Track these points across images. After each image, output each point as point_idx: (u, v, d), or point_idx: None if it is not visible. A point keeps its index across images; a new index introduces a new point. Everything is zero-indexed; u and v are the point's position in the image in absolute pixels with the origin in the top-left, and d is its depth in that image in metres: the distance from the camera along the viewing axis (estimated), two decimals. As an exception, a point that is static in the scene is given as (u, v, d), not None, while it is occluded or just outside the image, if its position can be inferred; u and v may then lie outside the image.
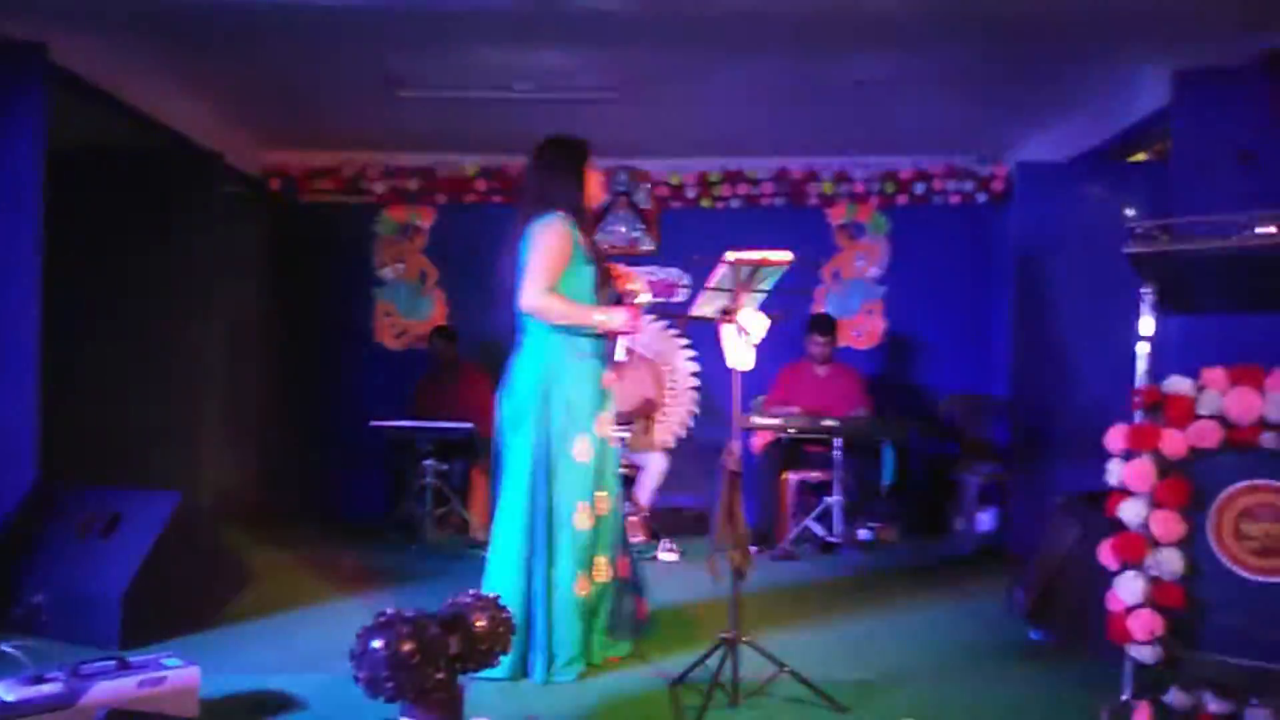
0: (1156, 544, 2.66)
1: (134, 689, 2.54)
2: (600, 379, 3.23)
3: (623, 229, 6.83)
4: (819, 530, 5.49)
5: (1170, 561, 2.64)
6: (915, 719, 2.82)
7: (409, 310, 6.83)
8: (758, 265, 2.97)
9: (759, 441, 5.93)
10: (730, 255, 2.96)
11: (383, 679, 2.11)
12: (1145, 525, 2.68)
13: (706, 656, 2.98)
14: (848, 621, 4.01)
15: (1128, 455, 2.74)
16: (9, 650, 3.08)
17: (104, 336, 5.09)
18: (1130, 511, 2.71)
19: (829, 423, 5.40)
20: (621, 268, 3.36)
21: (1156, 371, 2.85)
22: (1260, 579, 2.59)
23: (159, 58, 4.94)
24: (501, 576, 3.07)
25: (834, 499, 5.40)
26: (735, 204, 6.73)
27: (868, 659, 3.43)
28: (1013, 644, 3.59)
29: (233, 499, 6.09)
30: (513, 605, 2.88)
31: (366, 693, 2.14)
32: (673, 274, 6.78)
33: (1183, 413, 2.68)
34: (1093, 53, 4.63)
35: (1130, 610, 2.68)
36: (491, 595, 2.43)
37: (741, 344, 2.99)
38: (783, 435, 5.61)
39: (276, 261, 6.73)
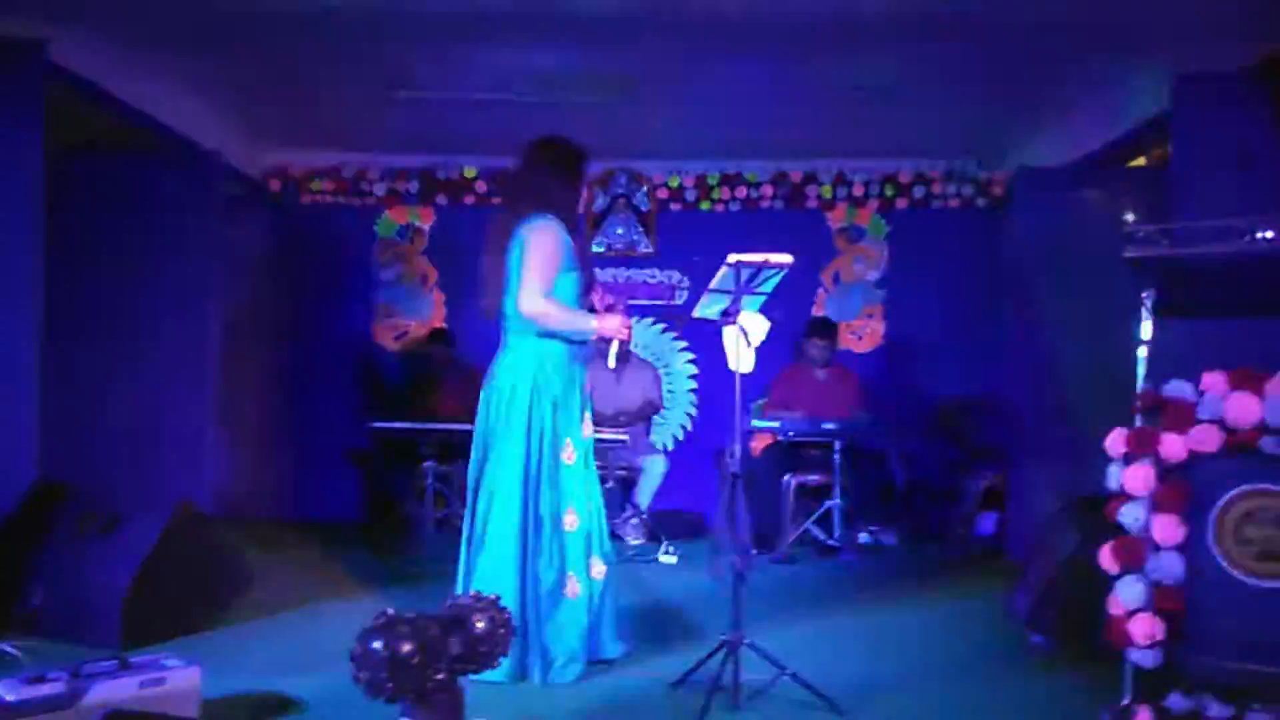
0: (1157, 548, 2.66)
1: (135, 690, 2.53)
2: (584, 383, 3.24)
3: (621, 231, 6.84)
4: (819, 534, 5.49)
5: (1170, 566, 2.64)
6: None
7: (409, 311, 6.83)
8: (759, 267, 2.97)
9: (759, 444, 5.93)
10: (732, 257, 2.97)
11: (383, 680, 2.10)
12: (1145, 529, 2.68)
13: (707, 659, 2.98)
14: (848, 625, 4.01)
15: (1128, 459, 2.74)
16: (9, 650, 3.08)
17: (104, 336, 5.08)
18: (1130, 516, 2.71)
19: (828, 426, 5.40)
20: (608, 298, 3.33)
21: (1157, 375, 2.85)
22: (1261, 583, 2.59)
23: (159, 58, 4.94)
24: (497, 579, 3.07)
25: (834, 502, 5.40)
26: (734, 207, 6.74)
27: (868, 662, 3.43)
28: (1013, 648, 3.59)
29: (232, 499, 6.08)
30: (511, 608, 2.89)
31: (366, 694, 2.13)
32: (672, 277, 6.79)
33: (1183, 417, 2.68)
34: (1092, 57, 4.64)
35: (1130, 614, 2.68)
36: (492, 596, 2.43)
37: (743, 346, 2.99)
38: (782, 438, 5.61)
39: (276, 262, 6.72)
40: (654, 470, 5.94)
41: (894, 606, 4.35)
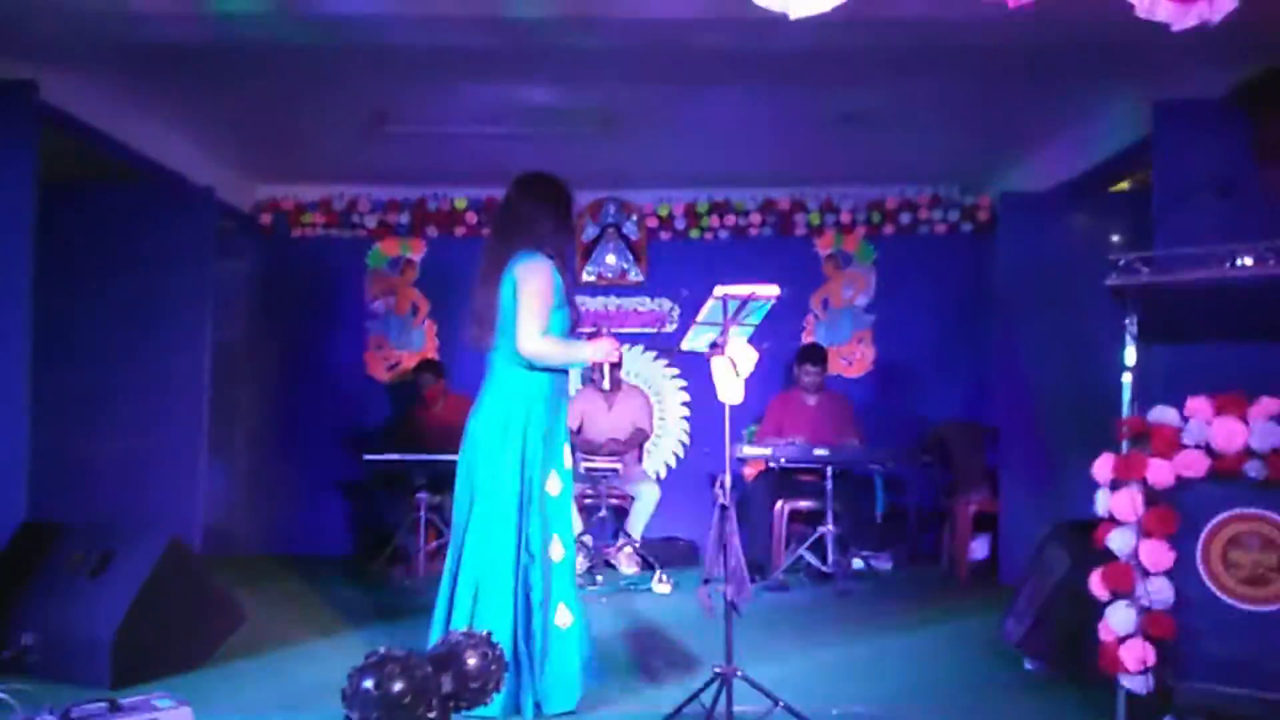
0: (1146, 573, 2.68)
1: (125, 731, 2.52)
2: (565, 414, 3.29)
3: (612, 260, 6.87)
4: (812, 560, 5.49)
5: (1160, 591, 2.66)
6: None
7: (401, 343, 6.84)
8: (746, 300, 3.00)
9: (751, 471, 5.94)
10: (719, 290, 2.99)
11: (374, 719, 2.11)
12: (1134, 555, 2.70)
13: (700, 691, 2.97)
14: (842, 652, 4.00)
15: (1115, 485, 2.77)
16: (-2, 693, 3.05)
17: (96, 371, 5.09)
18: (1119, 541, 2.73)
19: (820, 452, 5.41)
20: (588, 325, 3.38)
21: (1143, 400, 2.88)
22: (1249, 607, 2.61)
23: (149, 95, 4.98)
24: (490, 612, 3.06)
25: (827, 528, 5.40)
26: (723, 235, 6.78)
27: (862, 690, 3.42)
28: (1007, 673, 3.59)
29: (224, 534, 6.07)
30: (504, 642, 2.88)
31: (359, 733, 2.13)
32: (662, 305, 6.82)
33: (1168, 442, 2.71)
34: (1073, 85, 4.71)
35: (1121, 640, 2.69)
36: (484, 633, 2.43)
37: (731, 377, 3.01)
38: (774, 465, 5.62)
39: (268, 295, 6.75)
40: (647, 498, 5.93)
41: (887, 632, 4.34)
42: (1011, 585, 4.57)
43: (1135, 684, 2.68)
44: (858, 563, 5.75)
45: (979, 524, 5.74)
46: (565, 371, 3.26)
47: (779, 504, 5.70)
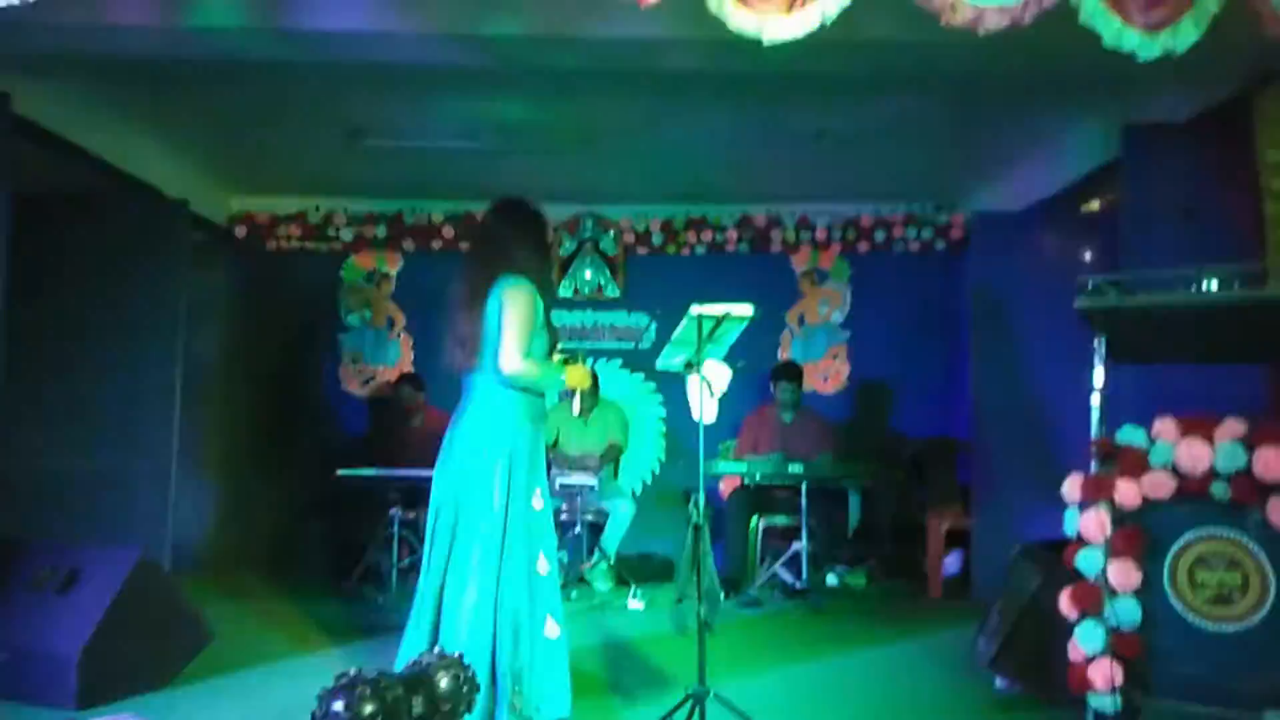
0: (1114, 593, 2.70)
1: (90, 754, 2.49)
2: (544, 434, 3.34)
3: (589, 275, 6.88)
4: (786, 576, 5.50)
5: (1128, 611, 2.69)
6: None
7: (375, 357, 6.81)
8: (721, 319, 3.01)
9: (727, 486, 5.95)
10: (695, 309, 3.01)
11: (345, 742, 2.09)
12: (1103, 574, 2.73)
13: (673, 712, 2.97)
14: (815, 670, 4.01)
15: (1084, 505, 2.80)
16: (-40, 714, 3.01)
17: (66, 385, 5.03)
18: (1087, 561, 2.76)
19: (795, 468, 5.42)
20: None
21: (1112, 420, 2.91)
22: (1216, 627, 2.64)
23: (124, 107, 4.95)
24: (477, 631, 3.05)
25: (801, 544, 5.41)
26: (700, 250, 6.81)
27: (835, 709, 3.43)
28: (977, 692, 3.61)
29: (194, 549, 6.00)
30: (485, 660, 2.92)
31: (328, 756, 2.11)
32: (639, 320, 6.83)
33: (1136, 463, 2.74)
34: (1043, 107, 4.78)
35: (1090, 659, 2.72)
36: (455, 654, 2.42)
37: (706, 396, 3.02)
38: (749, 481, 5.63)
39: (242, 308, 6.70)
40: (622, 515, 5.92)
41: (860, 649, 4.36)
42: (984, 601, 4.60)
43: (1104, 703, 2.70)
44: (832, 578, 5.76)
45: (952, 540, 5.77)
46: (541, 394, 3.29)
47: (754, 520, 5.72)
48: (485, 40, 3.66)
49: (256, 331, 6.70)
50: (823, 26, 2.85)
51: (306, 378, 6.71)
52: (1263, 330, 2.89)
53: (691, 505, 2.98)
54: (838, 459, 5.80)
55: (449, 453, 3.20)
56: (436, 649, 2.46)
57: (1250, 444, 2.61)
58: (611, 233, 6.87)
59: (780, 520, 5.70)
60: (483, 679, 2.91)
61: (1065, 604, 2.79)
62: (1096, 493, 2.77)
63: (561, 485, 5.64)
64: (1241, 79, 3.84)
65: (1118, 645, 2.69)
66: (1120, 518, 2.74)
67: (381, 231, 6.74)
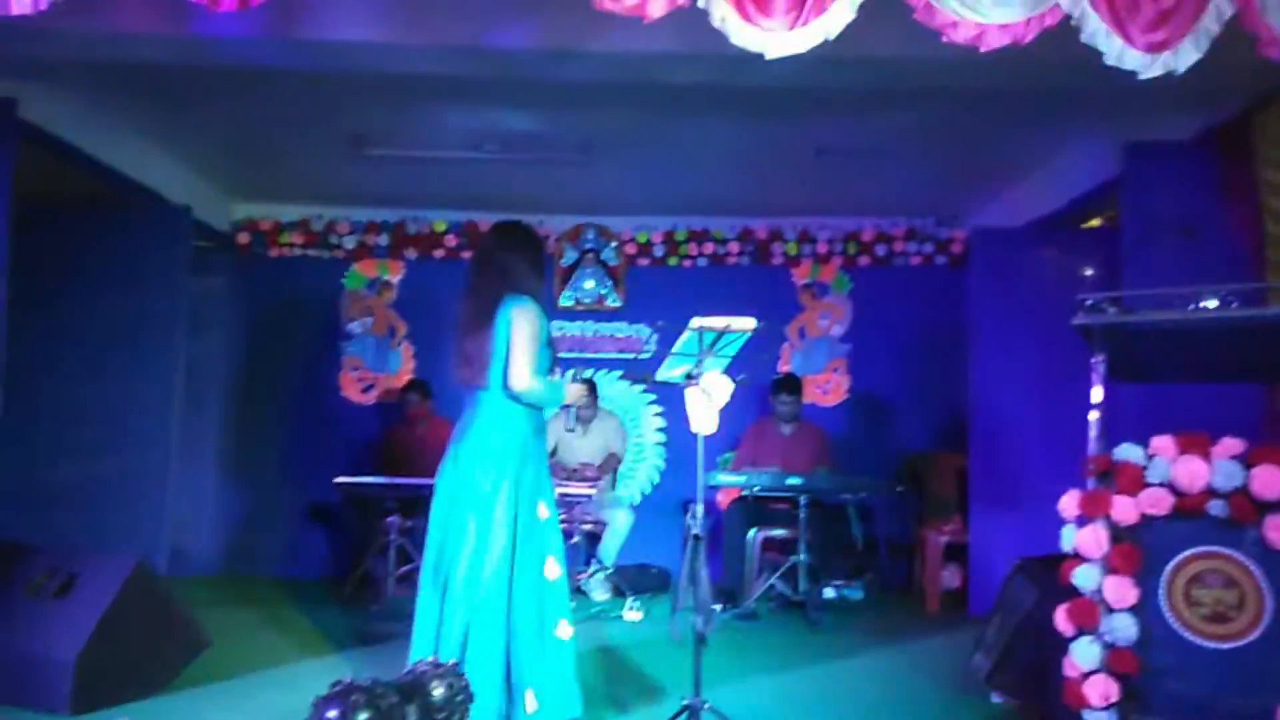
0: (1110, 610, 2.70)
1: (84, 758, 2.49)
2: (546, 445, 3.42)
3: (590, 285, 6.90)
4: (784, 589, 5.49)
5: (1124, 627, 2.69)
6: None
7: (377, 365, 6.82)
8: (722, 332, 3.03)
9: (725, 498, 5.94)
10: (696, 321, 3.02)
11: (340, 750, 2.09)
12: (1099, 591, 2.73)
13: (669, 722, 2.98)
14: (811, 683, 4.00)
15: (1081, 521, 2.80)
16: (-45, 718, 3.01)
17: (66, 390, 5.05)
18: (1084, 577, 2.76)
19: (794, 481, 5.42)
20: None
21: (1110, 437, 2.92)
22: (1212, 644, 2.64)
23: (128, 114, 4.97)
24: (488, 637, 3.07)
25: (799, 557, 5.41)
26: (701, 262, 6.83)
27: (830, 722, 3.43)
28: (974, 707, 3.61)
29: (192, 555, 6.00)
30: (499, 666, 2.97)
31: (323, 764, 2.11)
32: (640, 331, 6.84)
33: (1133, 480, 2.74)
34: (1045, 124, 4.79)
35: (1086, 676, 2.72)
36: (450, 663, 2.43)
37: (706, 408, 3.03)
38: (748, 493, 5.63)
39: (244, 315, 6.71)
40: (620, 524, 5.92)
41: (857, 663, 4.35)
42: (981, 616, 4.60)
43: (1099, 719, 2.70)
44: (829, 592, 5.75)
45: (950, 554, 5.77)
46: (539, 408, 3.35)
47: (752, 532, 5.71)
48: (489, 52, 3.68)
49: (258, 338, 6.70)
50: (825, 43, 2.88)
51: (307, 385, 6.72)
52: (1261, 349, 2.90)
53: (690, 516, 2.99)
54: (836, 472, 5.80)
55: (454, 465, 3.23)
56: (432, 657, 2.46)
57: (1248, 462, 2.62)
58: (613, 244, 6.89)
59: (778, 533, 5.69)
60: (497, 685, 2.97)
61: (1062, 620, 2.79)
62: (1094, 509, 2.77)
63: (560, 495, 5.63)
64: (1243, 99, 3.86)
65: (1114, 662, 2.69)
66: (1117, 534, 2.74)
67: (384, 240, 6.76)
